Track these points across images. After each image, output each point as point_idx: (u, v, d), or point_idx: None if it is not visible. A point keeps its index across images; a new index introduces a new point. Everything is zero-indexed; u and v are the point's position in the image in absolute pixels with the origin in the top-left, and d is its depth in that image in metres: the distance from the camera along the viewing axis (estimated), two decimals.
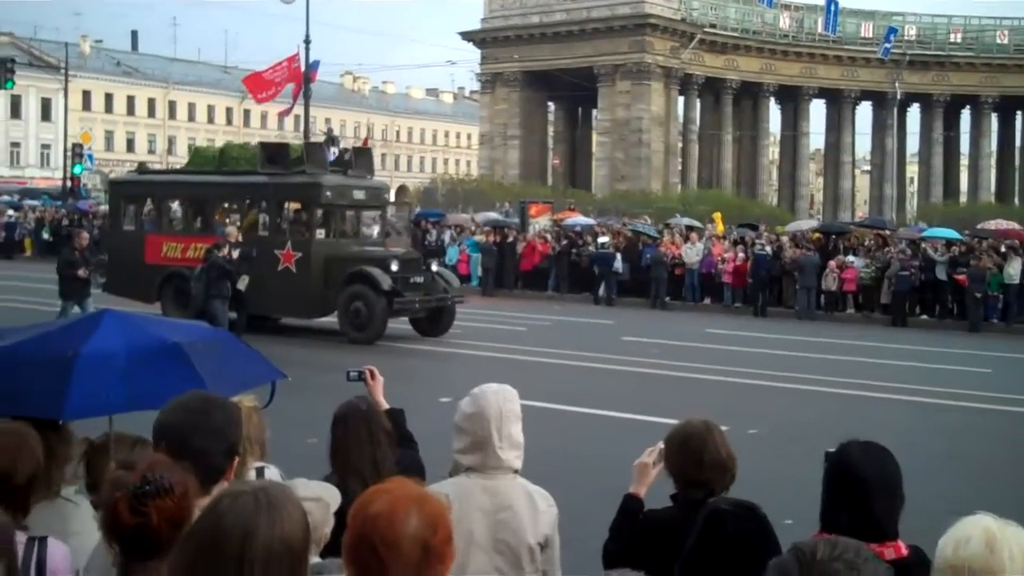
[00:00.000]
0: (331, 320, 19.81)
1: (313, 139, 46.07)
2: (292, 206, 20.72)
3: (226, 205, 21.74)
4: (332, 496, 3.23)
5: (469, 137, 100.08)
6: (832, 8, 61.24)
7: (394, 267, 19.07)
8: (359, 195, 20.85)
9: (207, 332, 5.01)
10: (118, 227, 22.96)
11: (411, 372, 15.24)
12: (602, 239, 30.69)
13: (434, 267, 20.67)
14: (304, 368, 14.31)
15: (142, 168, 27.53)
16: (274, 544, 2.03)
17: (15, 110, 75.64)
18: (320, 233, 20.18)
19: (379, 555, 2.11)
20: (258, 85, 39.16)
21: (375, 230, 22.12)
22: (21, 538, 2.86)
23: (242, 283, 17.90)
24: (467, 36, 65.72)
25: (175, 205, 22.56)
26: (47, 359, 3.92)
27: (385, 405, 4.75)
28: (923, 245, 27.71)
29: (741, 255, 27.85)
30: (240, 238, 18.56)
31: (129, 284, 20.92)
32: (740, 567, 2.74)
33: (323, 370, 13.13)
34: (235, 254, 17.71)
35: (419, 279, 19.64)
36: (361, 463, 4.24)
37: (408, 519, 2.15)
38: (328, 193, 19.89)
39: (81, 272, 18.11)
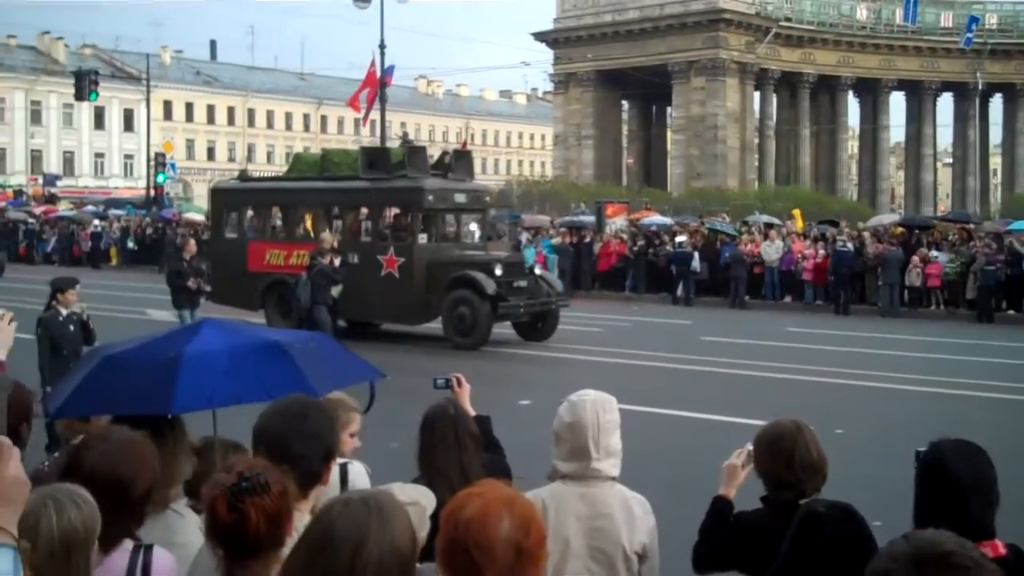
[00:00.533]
0: (433, 326, 19.74)
1: (389, 143, 46.53)
2: (394, 211, 20.67)
3: (328, 211, 21.75)
4: (428, 500, 3.28)
5: (543, 138, 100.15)
6: None
7: (498, 271, 18.88)
8: (460, 198, 20.62)
9: (303, 334, 5.11)
10: (220, 235, 22.88)
11: (513, 376, 15.29)
12: (679, 238, 30.49)
13: (537, 271, 20.44)
14: (400, 373, 14.33)
15: (243, 175, 27.44)
16: (385, 551, 2.08)
17: (99, 121, 77.38)
18: (422, 238, 19.91)
19: (473, 559, 2.14)
20: (356, 103, 39.99)
21: (476, 234, 21.77)
22: (128, 545, 2.95)
23: (335, 291, 17.81)
24: (540, 37, 65.75)
25: (277, 212, 22.25)
26: (151, 361, 4.01)
27: (472, 412, 4.81)
28: (1008, 239, 27.12)
29: (822, 252, 27.49)
30: (335, 244, 18.56)
31: (232, 292, 20.85)
32: (838, 569, 2.73)
33: (416, 374, 13.21)
34: (337, 261, 17.82)
35: (523, 283, 19.43)
36: (448, 467, 4.29)
37: (500, 522, 2.18)
38: (430, 197, 19.67)
39: (191, 283, 17.80)
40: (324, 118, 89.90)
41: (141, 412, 3.57)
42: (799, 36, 62.44)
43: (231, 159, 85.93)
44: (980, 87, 62.27)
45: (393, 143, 49.21)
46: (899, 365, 17.11)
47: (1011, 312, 25.24)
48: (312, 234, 20.54)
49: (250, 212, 22.53)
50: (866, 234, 29.70)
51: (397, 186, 19.83)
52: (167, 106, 79.52)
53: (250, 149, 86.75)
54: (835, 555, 2.73)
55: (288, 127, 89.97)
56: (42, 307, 10.20)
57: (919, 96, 67.44)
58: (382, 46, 36.48)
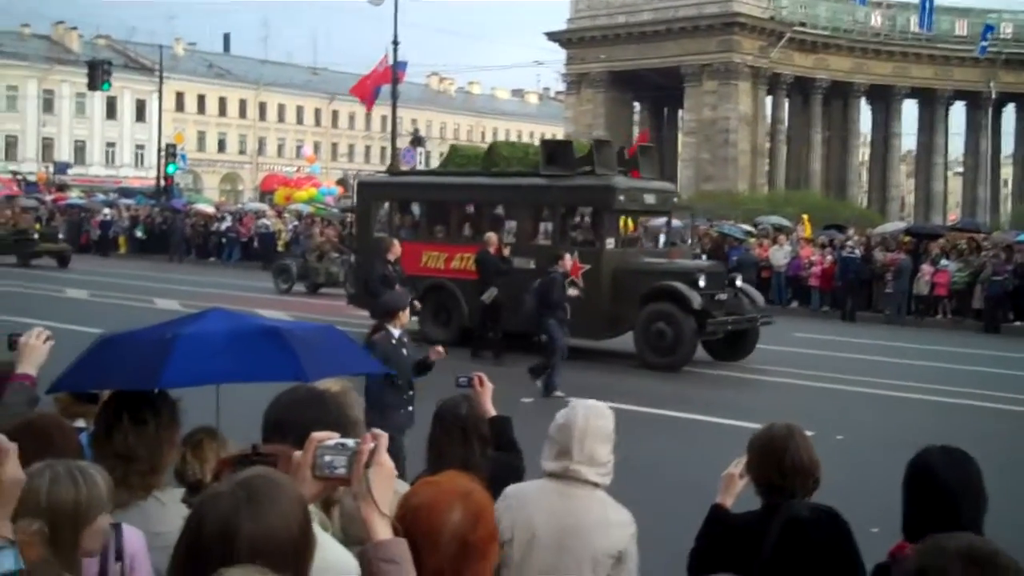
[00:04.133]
0: (619, 342, 17.75)
1: (399, 140, 46.57)
2: (579, 212, 18.75)
3: (497, 210, 19.37)
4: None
5: (554, 138, 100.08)
6: (927, 5, 59.88)
7: (702, 282, 16.80)
8: (650, 199, 18.52)
9: (310, 324, 5.12)
10: (367, 233, 20.25)
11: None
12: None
13: (738, 282, 18.26)
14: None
15: (393, 169, 25.61)
16: (258, 539, 1.95)
17: (111, 111, 77.57)
18: (610, 242, 17.77)
19: (416, 546, 2.14)
20: (363, 92, 39.86)
21: (662, 239, 19.92)
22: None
23: (488, 295, 16.59)
24: (553, 36, 65.72)
25: (436, 210, 19.98)
26: (148, 340, 4.02)
27: (492, 412, 4.82)
28: (1018, 249, 27.03)
29: (829, 258, 27.46)
30: (501, 247, 17.10)
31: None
32: (822, 574, 2.73)
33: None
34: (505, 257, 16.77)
35: (723, 296, 17.32)
36: (452, 464, 4.31)
37: (449, 513, 2.19)
38: (621, 197, 17.62)
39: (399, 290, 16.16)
40: (336, 113, 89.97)
41: (128, 387, 3.57)
42: (813, 41, 62.29)
43: (242, 151, 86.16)
44: (993, 96, 62.07)
45: (404, 140, 49.26)
46: (904, 373, 17.09)
47: (1018, 323, 25.16)
48: (480, 236, 18.14)
49: (404, 209, 20.70)
50: (874, 241, 29.66)
51: (584, 184, 17.81)
52: (179, 97, 79.67)
53: (261, 142, 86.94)
54: (820, 560, 2.72)
55: (300, 121, 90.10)
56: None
57: (932, 104, 67.25)
58: (395, 42, 36.51)
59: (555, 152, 18.67)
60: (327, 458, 2.20)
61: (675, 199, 20.46)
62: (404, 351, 8.33)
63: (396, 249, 15.64)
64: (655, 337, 16.65)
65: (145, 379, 3.68)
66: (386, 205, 20.89)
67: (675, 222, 20.77)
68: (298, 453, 2.26)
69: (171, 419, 3.49)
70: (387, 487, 2.18)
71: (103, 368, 3.94)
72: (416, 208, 20.42)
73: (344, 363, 4.53)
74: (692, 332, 16.48)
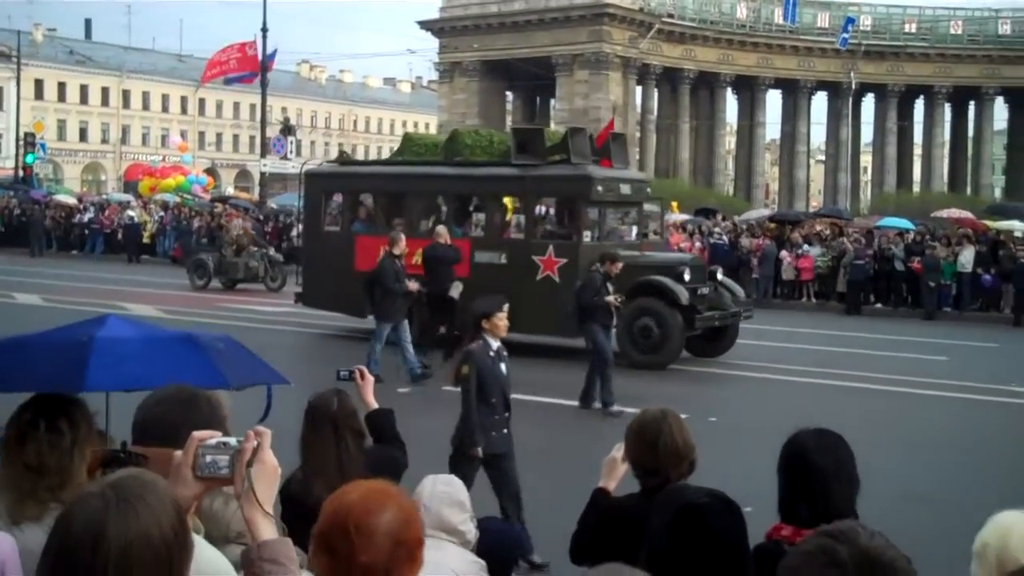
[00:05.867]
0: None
1: (269, 128, 45.84)
2: (553, 203, 17.99)
3: (463, 202, 18.38)
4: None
5: (427, 126, 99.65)
6: None
7: (687, 276, 16.20)
8: (625, 189, 17.73)
9: (211, 333, 5.05)
10: (317, 228, 19.39)
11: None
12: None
13: (718, 275, 17.71)
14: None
15: (344, 158, 23.57)
16: (129, 544, 1.86)
17: None
18: (587, 235, 16.94)
19: (351, 541, 2.11)
20: (208, 67, 39.11)
21: (634, 231, 18.81)
22: None
23: (455, 290, 15.47)
24: (425, 25, 65.45)
25: (393, 202, 18.90)
26: (62, 342, 3.91)
27: (374, 405, 4.79)
28: (878, 235, 28.04)
29: (698, 244, 28.01)
30: (449, 239, 15.88)
31: (333, 295, 17.96)
32: (721, 561, 2.73)
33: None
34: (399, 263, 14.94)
35: (704, 290, 16.77)
36: (326, 462, 4.26)
37: (383, 511, 2.17)
38: (599, 187, 16.77)
39: (412, 284, 14.57)
40: (203, 101, 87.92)
41: (50, 390, 3.41)
42: (681, 33, 63.36)
43: (104, 140, 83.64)
44: (853, 87, 64.10)
45: (274, 128, 48.53)
46: (770, 355, 17.56)
47: (878, 305, 26.13)
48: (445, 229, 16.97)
49: (358, 202, 19.35)
50: (741, 228, 30.40)
51: (560, 174, 16.97)
52: (39, 85, 77.02)
53: (125, 131, 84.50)
54: (719, 548, 2.73)
55: (165, 109, 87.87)
56: None
57: (795, 94, 69.09)
58: (264, 29, 35.93)
59: (526, 140, 17.77)
60: (208, 458, 2.15)
61: (648, 189, 19.77)
62: (503, 366, 7.39)
63: (403, 243, 14.66)
64: (640, 334, 16.00)
65: (67, 382, 3.57)
66: (337, 197, 19.70)
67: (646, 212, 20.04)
68: (178, 452, 2.19)
69: (88, 432, 3.34)
70: (270, 485, 2.14)
71: (19, 371, 3.78)
72: (371, 200, 19.29)
73: (253, 372, 4.44)
74: (680, 328, 15.92)
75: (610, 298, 13.09)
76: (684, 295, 15.87)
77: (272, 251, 28.59)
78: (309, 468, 4.30)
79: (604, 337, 13.05)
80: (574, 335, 15.47)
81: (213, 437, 2.18)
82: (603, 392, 12.66)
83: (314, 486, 4.01)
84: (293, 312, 20.58)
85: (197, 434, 2.19)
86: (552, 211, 18.36)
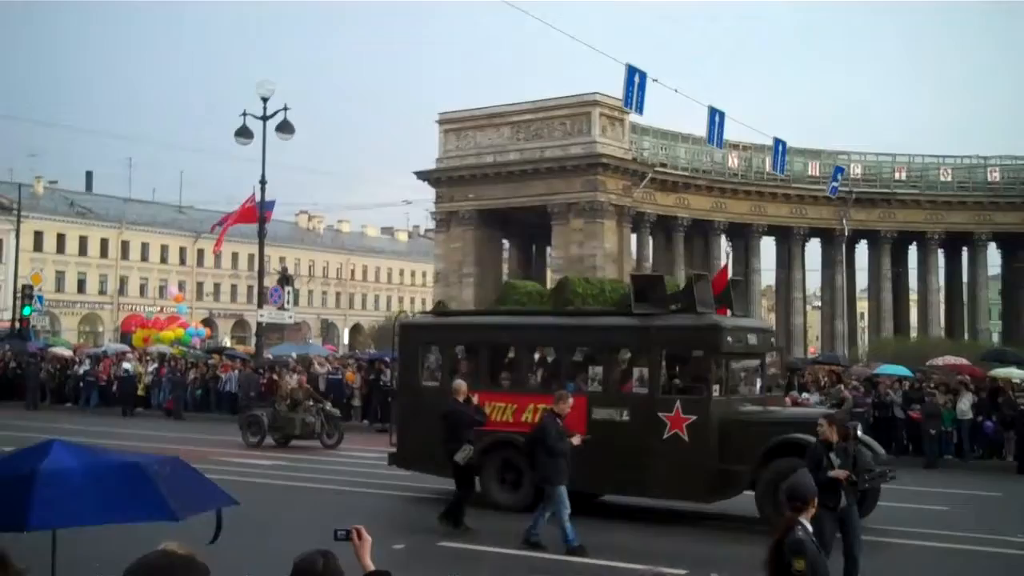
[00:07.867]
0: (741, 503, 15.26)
1: (267, 279, 46.07)
2: (679, 355, 16.44)
3: (577, 354, 17.28)
4: None
5: (424, 275, 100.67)
6: (779, 148, 62.44)
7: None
8: (752, 340, 16.48)
9: (158, 456, 4.94)
10: (413, 382, 18.05)
11: None
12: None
13: (859, 432, 15.18)
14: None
15: (441, 309, 22.62)
16: None
17: None
18: (716, 390, 15.50)
19: None
20: (221, 232, 39.91)
21: (758, 384, 17.30)
22: None
23: (463, 455, 14.31)
24: (422, 176, 66.54)
25: (499, 354, 17.83)
26: (3, 477, 3.79)
27: (371, 567, 4.71)
28: (877, 382, 27.91)
29: None
30: (467, 395, 14.91)
31: (433, 456, 15.80)
32: None
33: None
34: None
35: (847, 446, 14.55)
36: None
37: None
38: (729, 338, 15.50)
39: (575, 439, 13.57)
40: (201, 252, 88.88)
41: None
42: (674, 181, 64.43)
43: (102, 291, 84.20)
44: (846, 234, 64.85)
45: (271, 278, 48.79)
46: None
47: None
48: (558, 383, 15.91)
49: (458, 354, 18.14)
50: None
51: (686, 324, 15.74)
52: (38, 237, 77.94)
53: (123, 282, 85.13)
54: None
55: (164, 260, 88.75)
56: None
57: (788, 241, 69.88)
58: (263, 181, 36.37)
59: (646, 288, 16.56)
60: None
61: (772, 339, 18.69)
62: (821, 553, 6.40)
63: (569, 402, 13.74)
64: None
65: (11, 520, 3.47)
66: (435, 349, 18.43)
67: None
68: None
69: (11, 568, 3.15)
70: None
71: None
72: (475, 353, 17.95)
73: (203, 498, 4.34)
74: None
75: (837, 472, 11.11)
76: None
77: (328, 406, 27.75)
78: None
79: (832, 524, 10.77)
80: (708, 499, 15.18)
81: None
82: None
83: None
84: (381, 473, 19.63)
85: None
86: (685, 364, 16.75)
